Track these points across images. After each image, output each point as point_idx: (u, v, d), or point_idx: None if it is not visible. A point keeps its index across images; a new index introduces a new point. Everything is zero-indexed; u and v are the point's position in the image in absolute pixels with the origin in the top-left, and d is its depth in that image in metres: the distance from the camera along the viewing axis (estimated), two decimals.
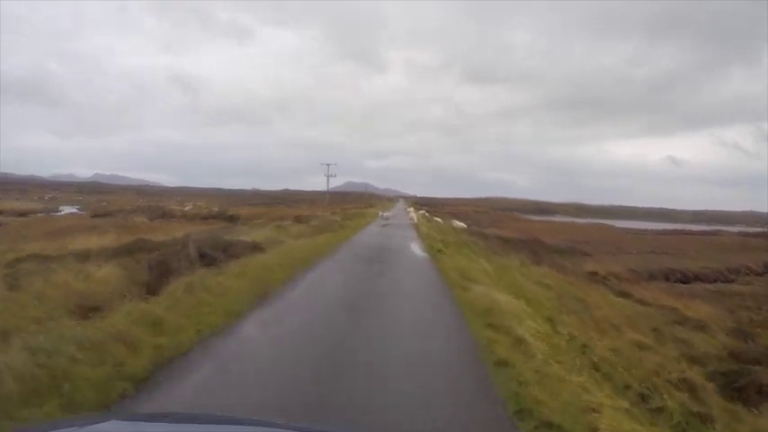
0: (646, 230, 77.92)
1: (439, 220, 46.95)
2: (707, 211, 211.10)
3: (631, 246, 46.46)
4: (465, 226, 41.40)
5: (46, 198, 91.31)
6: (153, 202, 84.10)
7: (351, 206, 78.15)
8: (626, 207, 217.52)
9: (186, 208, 64.08)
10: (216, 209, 56.22)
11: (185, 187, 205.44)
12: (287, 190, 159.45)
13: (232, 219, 37.44)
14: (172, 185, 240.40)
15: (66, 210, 64.44)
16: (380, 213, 38.26)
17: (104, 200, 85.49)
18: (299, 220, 28.20)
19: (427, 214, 58.02)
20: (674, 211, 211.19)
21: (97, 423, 1.68)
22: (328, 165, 63.49)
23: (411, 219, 41.20)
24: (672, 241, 54.28)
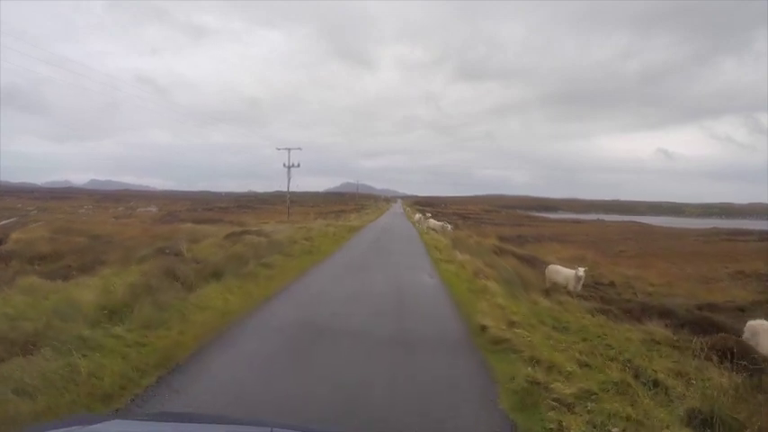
0: (747, 237, 47.88)
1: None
2: (715, 204, 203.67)
3: None
4: None
5: None
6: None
7: (336, 208, 71.16)
8: (632, 201, 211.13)
9: None
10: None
11: (174, 191, 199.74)
12: (279, 191, 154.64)
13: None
14: (165, 189, 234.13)
15: None
16: None
17: (46, 207, 77.84)
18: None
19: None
20: (684, 204, 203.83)
21: (98, 423, 1.64)
22: (289, 150, 46.00)
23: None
24: None
